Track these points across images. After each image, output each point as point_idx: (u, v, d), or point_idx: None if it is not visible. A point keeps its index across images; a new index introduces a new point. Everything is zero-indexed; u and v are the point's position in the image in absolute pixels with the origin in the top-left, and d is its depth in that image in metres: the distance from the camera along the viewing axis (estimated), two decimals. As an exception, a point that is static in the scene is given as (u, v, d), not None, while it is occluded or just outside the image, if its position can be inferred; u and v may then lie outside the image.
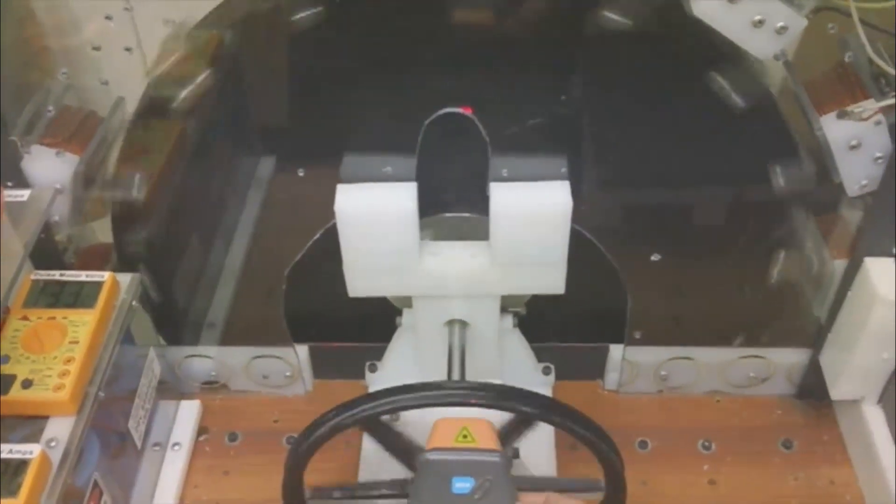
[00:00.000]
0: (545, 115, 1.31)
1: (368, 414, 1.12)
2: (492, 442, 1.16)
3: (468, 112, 1.26)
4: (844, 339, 1.41)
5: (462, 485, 1.10)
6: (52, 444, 1.15)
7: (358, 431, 1.45)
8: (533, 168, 1.24)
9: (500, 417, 1.22)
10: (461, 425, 1.16)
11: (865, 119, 1.23)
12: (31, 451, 1.09)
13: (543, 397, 1.14)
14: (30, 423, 1.17)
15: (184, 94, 1.35)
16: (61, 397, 1.16)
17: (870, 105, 1.22)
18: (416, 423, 1.26)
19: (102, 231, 1.47)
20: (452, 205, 1.33)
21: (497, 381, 1.25)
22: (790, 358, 1.55)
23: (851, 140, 1.25)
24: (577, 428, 1.12)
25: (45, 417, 1.18)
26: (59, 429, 1.16)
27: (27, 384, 1.17)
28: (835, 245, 1.40)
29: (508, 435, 1.23)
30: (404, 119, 1.29)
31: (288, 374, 1.59)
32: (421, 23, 1.28)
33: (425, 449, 1.16)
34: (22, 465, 1.07)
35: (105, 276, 1.30)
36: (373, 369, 1.54)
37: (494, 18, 1.29)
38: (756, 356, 1.55)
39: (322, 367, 1.62)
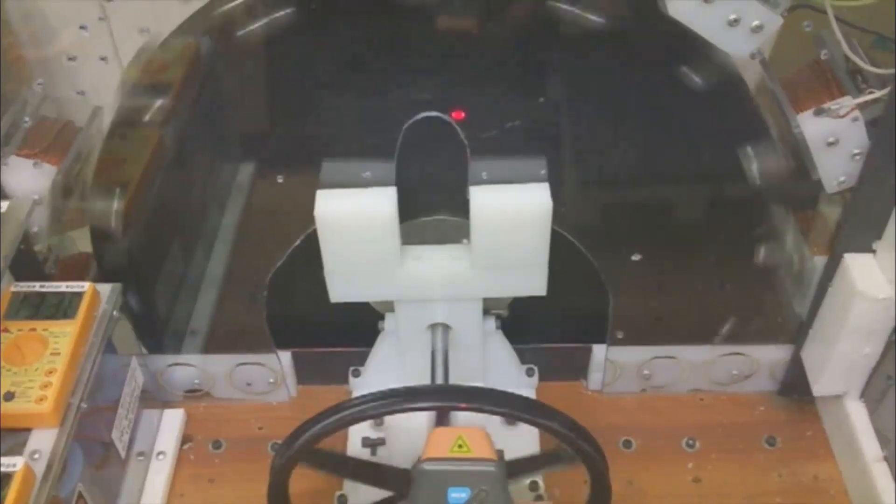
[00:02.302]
0: (524, 117, 1.31)
1: (353, 418, 1.12)
2: (488, 451, 1.16)
3: (459, 117, 1.26)
4: (826, 335, 1.42)
5: (458, 495, 1.11)
6: (36, 456, 1.14)
7: (343, 436, 1.45)
8: (512, 170, 1.24)
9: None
10: (456, 434, 1.16)
11: (842, 116, 1.23)
12: (14, 464, 1.09)
13: (526, 399, 1.14)
14: (12, 436, 1.16)
15: (161, 102, 1.35)
16: (44, 409, 1.16)
17: (846, 102, 1.23)
18: (404, 428, 1.26)
19: (82, 241, 1.46)
20: (432, 209, 1.33)
21: (480, 384, 1.25)
22: (772, 355, 1.55)
23: (829, 137, 1.25)
24: (560, 429, 1.12)
25: (28, 430, 1.17)
26: (42, 441, 1.16)
27: (9, 397, 1.16)
28: (814, 241, 1.41)
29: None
30: (383, 124, 1.29)
31: (271, 380, 1.58)
32: (398, 28, 1.28)
33: (409, 472, 1.16)
34: (5, 478, 1.07)
35: (85, 286, 1.30)
36: (356, 374, 1.54)
37: (471, 23, 1.28)
38: (738, 353, 1.55)
39: (305, 373, 1.62)
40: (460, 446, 1.16)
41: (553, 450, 1.24)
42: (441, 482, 1.13)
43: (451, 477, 1.14)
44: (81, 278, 1.34)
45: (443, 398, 1.14)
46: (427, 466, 1.15)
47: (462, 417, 1.23)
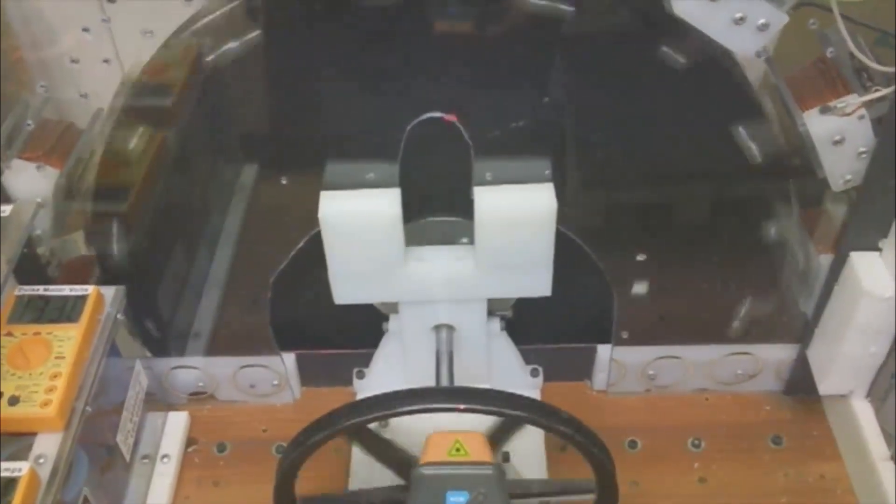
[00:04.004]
0: (528, 117, 1.31)
1: (360, 420, 1.12)
2: (485, 454, 1.16)
3: (453, 119, 1.26)
4: (832, 334, 1.41)
5: (456, 499, 1.11)
6: (41, 460, 1.13)
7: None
8: (517, 171, 1.24)
9: (489, 422, 1.22)
10: (454, 438, 1.16)
11: (848, 114, 1.23)
12: (19, 468, 1.08)
13: (533, 401, 1.13)
14: (17, 441, 1.15)
15: (164, 103, 1.34)
16: (49, 413, 1.15)
17: (852, 100, 1.22)
18: (406, 430, 1.26)
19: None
20: (437, 209, 1.33)
21: (485, 385, 1.25)
22: (778, 354, 1.55)
23: (835, 135, 1.25)
24: (568, 431, 1.11)
25: (33, 434, 1.16)
26: (48, 445, 1.15)
27: (14, 401, 1.16)
28: (819, 240, 1.40)
29: (497, 439, 1.23)
30: (386, 125, 1.28)
31: (275, 382, 1.58)
32: (402, 29, 1.27)
33: (418, 462, 1.16)
34: (11, 483, 1.07)
35: (89, 289, 1.30)
36: (360, 376, 1.54)
37: (475, 23, 1.28)
38: (743, 353, 1.55)
39: (309, 374, 1.61)
40: (458, 450, 1.17)
41: (566, 480, 1.26)
42: (439, 486, 1.13)
43: (450, 480, 1.14)
44: (84, 281, 1.34)
45: (449, 400, 1.13)
46: (425, 471, 1.15)
47: (466, 423, 1.22)
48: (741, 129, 1.31)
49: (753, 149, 1.32)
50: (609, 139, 1.35)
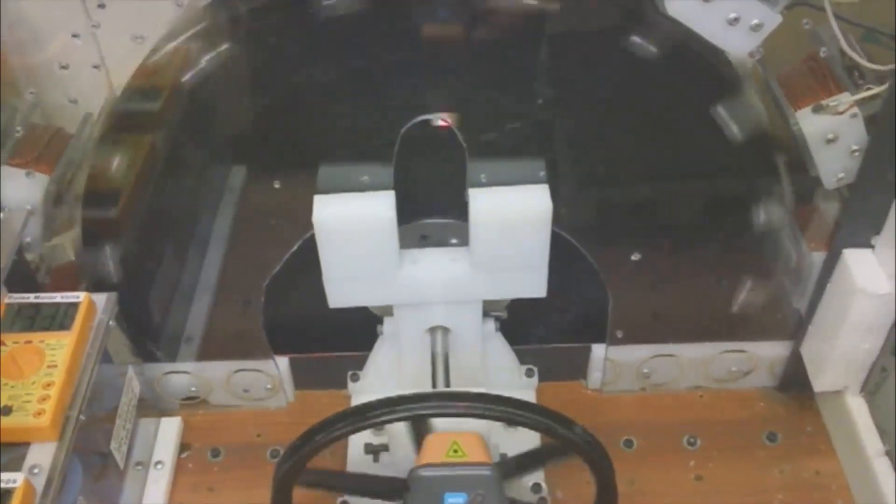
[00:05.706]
0: (523, 119, 1.30)
1: (356, 428, 1.11)
2: (483, 455, 1.15)
3: (447, 126, 1.25)
4: (825, 331, 1.41)
5: (454, 500, 1.10)
6: (35, 471, 1.12)
7: (343, 444, 1.45)
8: (511, 172, 1.24)
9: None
10: (452, 440, 1.16)
11: (841, 112, 1.23)
12: (14, 479, 1.07)
13: (533, 405, 1.13)
14: (11, 451, 1.14)
15: (153, 107, 1.33)
16: (42, 423, 1.14)
17: (845, 98, 1.23)
18: (406, 434, 1.26)
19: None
20: (431, 212, 1.32)
21: (481, 387, 1.24)
22: (772, 351, 1.55)
23: (828, 133, 1.25)
24: (569, 436, 1.11)
25: (27, 444, 1.15)
26: (41, 455, 1.14)
27: (7, 411, 1.15)
28: (812, 237, 1.40)
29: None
30: (380, 128, 1.28)
31: (269, 386, 1.57)
32: (395, 31, 1.26)
33: (415, 465, 1.16)
34: (6, 494, 1.06)
35: (81, 296, 1.28)
36: (355, 379, 1.53)
37: (468, 25, 1.27)
38: (738, 350, 1.55)
39: (303, 378, 1.61)
40: (455, 451, 1.16)
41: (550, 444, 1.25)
42: (437, 487, 1.13)
43: (447, 482, 1.14)
44: (74, 287, 1.33)
45: (448, 406, 1.12)
46: (422, 472, 1.15)
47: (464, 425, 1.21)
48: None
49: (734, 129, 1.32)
50: (603, 139, 1.35)
